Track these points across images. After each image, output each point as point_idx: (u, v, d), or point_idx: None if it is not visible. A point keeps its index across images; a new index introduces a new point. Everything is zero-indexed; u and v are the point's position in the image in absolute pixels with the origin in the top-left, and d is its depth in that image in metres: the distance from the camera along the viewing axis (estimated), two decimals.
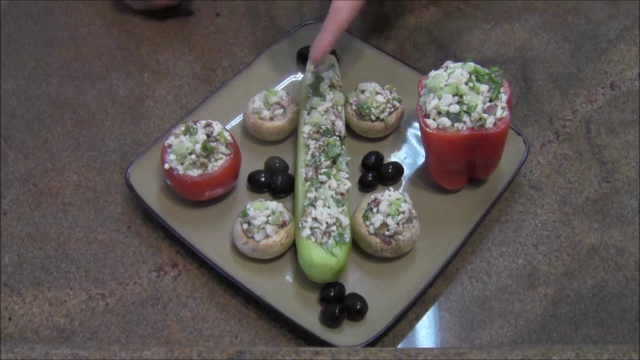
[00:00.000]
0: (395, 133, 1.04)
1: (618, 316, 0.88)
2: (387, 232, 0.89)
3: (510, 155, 0.97)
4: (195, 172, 0.93)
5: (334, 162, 0.95)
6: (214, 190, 0.95)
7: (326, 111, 1.00)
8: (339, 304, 0.87)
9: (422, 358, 0.75)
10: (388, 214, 0.89)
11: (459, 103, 0.90)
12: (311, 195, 0.92)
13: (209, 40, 1.16)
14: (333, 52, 1.09)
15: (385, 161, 1.01)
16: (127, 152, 1.03)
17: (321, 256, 0.87)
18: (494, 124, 0.89)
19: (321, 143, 0.96)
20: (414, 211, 0.91)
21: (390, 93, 1.02)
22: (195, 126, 0.94)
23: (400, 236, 0.89)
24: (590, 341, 0.86)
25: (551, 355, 0.74)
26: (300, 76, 1.09)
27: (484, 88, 0.91)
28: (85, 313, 0.89)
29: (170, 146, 0.94)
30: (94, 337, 0.87)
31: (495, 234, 0.96)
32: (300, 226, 0.90)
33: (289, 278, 0.92)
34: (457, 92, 0.90)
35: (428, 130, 0.91)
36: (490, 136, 0.90)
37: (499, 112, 0.90)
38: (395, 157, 1.02)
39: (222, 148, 0.94)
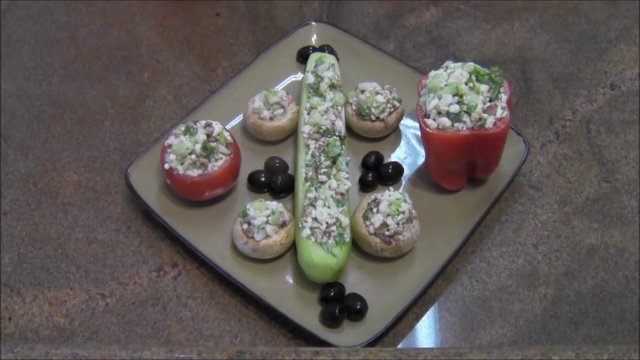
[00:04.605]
0: (395, 133, 1.04)
1: (618, 316, 0.88)
2: (387, 232, 0.89)
3: (510, 155, 0.97)
4: (195, 172, 0.93)
5: (334, 162, 0.95)
6: (214, 190, 0.95)
7: (326, 111, 0.99)
8: (339, 304, 0.87)
9: (422, 358, 0.75)
10: (388, 214, 0.89)
11: (459, 103, 0.90)
12: (311, 195, 0.92)
13: (209, 40, 1.16)
14: (333, 52, 1.09)
15: (385, 161, 1.01)
16: (127, 152, 1.03)
17: (321, 256, 0.87)
18: (494, 124, 0.89)
19: (321, 143, 0.96)
20: (414, 211, 0.91)
21: (390, 93, 1.02)
22: (195, 126, 0.94)
23: (400, 236, 0.89)
24: (590, 341, 0.86)
25: (551, 355, 0.74)
26: (300, 76, 1.09)
27: (484, 88, 0.91)
28: (85, 313, 0.89)
29: (170, 146, 0.94)
30: (94, 337, 0.87)
31: (495, 234, 0.96)
32: (300, 226, 0.90)
33: (289, 278, 0.92)
34: (457, 92, 0.90)
35: (428, 130, 0.90)
36: (490, 136, 0.90)
37: (499, 112, 0.90)
38: (395, 157, 1.02)
39: (222, 148, 0.94)
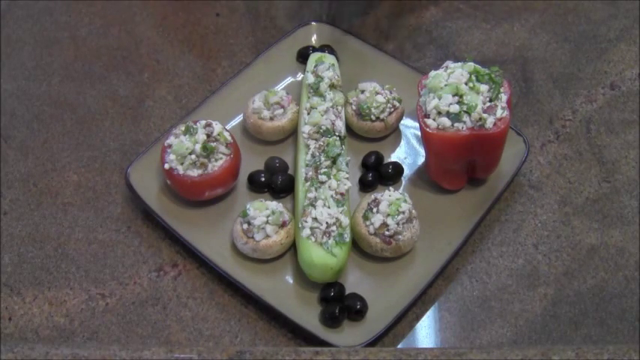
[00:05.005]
0: (395, 133, 1.04)
1: (618, 316, 0.88)
2: (387, 232, 0.89)
3: (510, 155, 0.97)
4: (195, 172, 0.93)
5: (334, 162, 0.95)
6: (214, 190, 0.95)
7: (326, 111, 0.99)
8: (339, 304, 0.87)
9: (422, 358, 0.75)
10: (388, 214, 0.89)
11: (459, 103, 0.90)
12: (311, 195, 0.92)
13: (209, 40, 1.16)
14: (333, 52, 1.09)
15: (385, 161, 1.01)
16: (127, 152, 1.03)
17: (321, 256, 0.87)
18: (494, 124, 0.89)
19: (321, 143, 0.96)
20: (414, 211, 0.91)
21: (390, 93, 1.02)
22: (195, 126, 0.94)
23: (400, 236, 0.89)
24: (590, 341, 0.86)
25: (551, 355, 0.74)
26: (300, 76, 1.09)
27: (484, 88, 0.91)
28: (85, 313, 0.89)
29: (170, 146, 0.94)
30: (94, 337, 0.87)
31: (495, 234, 0.96)
32: (300, 226, 0.90)
33: (289, 278, 0.92)
34: (457, 92, 0.90)
35: (428, 130, 0.91)
36: (490, 136, 0.90)
37: (499, 112, 0.90)
38: (395, 157, 1.02)
39: (222, 148, 0.94)
